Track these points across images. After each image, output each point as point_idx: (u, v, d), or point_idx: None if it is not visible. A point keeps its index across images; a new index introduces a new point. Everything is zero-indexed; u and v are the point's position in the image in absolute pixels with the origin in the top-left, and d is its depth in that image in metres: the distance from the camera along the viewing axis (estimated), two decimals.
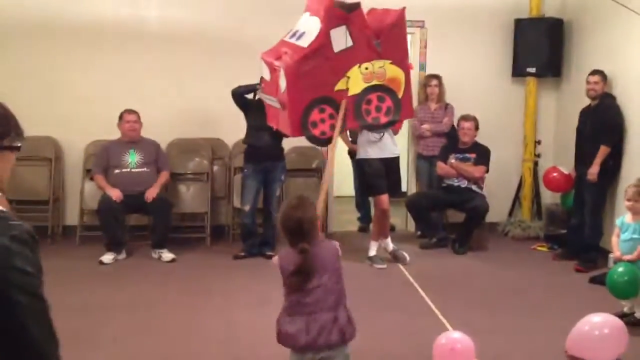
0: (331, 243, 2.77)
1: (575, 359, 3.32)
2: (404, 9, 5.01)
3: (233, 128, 6.60)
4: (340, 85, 4.87)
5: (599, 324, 3.40)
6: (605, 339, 3.32)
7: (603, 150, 5.69)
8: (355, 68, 4.85)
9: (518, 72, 7.24)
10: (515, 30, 7.17)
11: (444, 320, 4.44)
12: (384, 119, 5.18)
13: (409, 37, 7.48)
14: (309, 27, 4.80)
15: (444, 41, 7.18)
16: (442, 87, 7.05)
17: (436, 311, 4.65)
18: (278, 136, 6.10)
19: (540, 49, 7.05)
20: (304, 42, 4.73)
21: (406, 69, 5.14)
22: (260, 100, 6.01)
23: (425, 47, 7.28)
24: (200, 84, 6.98)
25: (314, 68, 4.69)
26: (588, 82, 5.89)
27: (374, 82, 4.94)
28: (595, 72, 5.87)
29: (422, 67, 7.32)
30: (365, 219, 7.34)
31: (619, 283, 4.39)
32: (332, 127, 4.94)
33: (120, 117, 6.28)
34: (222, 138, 7.12)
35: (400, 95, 5.12)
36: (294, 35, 4.94)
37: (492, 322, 4.45)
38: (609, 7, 5.80)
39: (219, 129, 7.08)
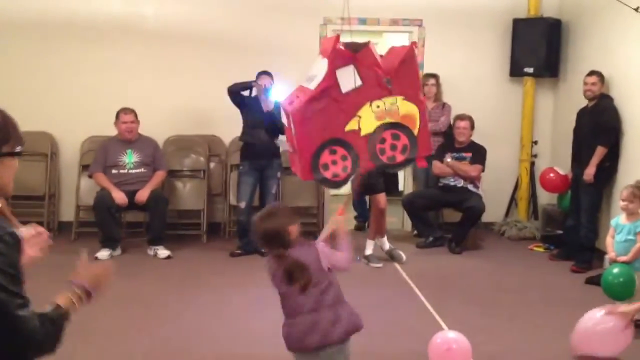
0: (312, 245, 2.74)
1: (583, 358, 3.32)
2: (413, 44, 4.98)
3: (230, 125, 6.58)
4: (351, 126, 4.78)
5: (602, 318, 3.41)
6: (611, 332, 3.34)
7: (600, 151, 5.69)
8: (367, 107, 4.76)
9: (515, 72, 7.23)
10: (513, 30, 7.16)
11: (440, 320, 4.43)
12: (400, 158, 4.98)
13: (406, 35, 7.53)
14: (319, 69, 4.75)
15: (442, 40, 7.17)
16: (439, 86, 7.05)
17: (432, 310, 4.65)
18: (275, 134, 6.10)
19: (538, 49, 7.04)
20: (312, 85, 4.70)
21: (420, 104, 5.05)
22: (256, 97, 6.00)
23: (423, 46, 7.27)
24: (197, 80, 6.96)
25: (321, 110, 4.65)
26: (585, 83, 5.88)
27: (387, 120, 4.88)
28: (592, 73, 5.86)
29: (420, 66, 7.30)
30: (361, 217, 7.34)
31: (614, 284, 4.39)
32: (345, 169, 4.87)
33: (117, 116, 6.25)
34: (219, 135, 7.11)
35: (415, 131, 5.02)
36: (308, 79, 4.89)
37: (488, 321, 4.44)
38: (607, 7, 5.81)
39: (216, 126, 7.07)
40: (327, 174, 4.96)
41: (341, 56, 4.68)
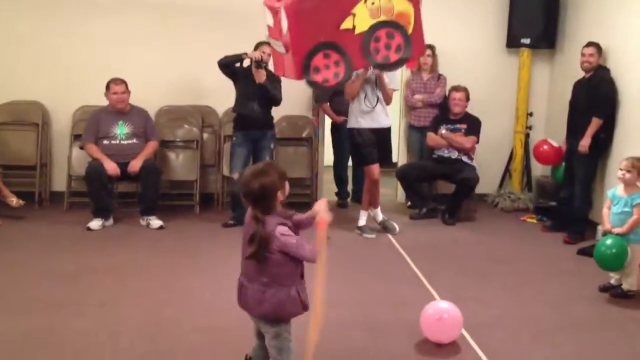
0: (277, 227, 2.59)
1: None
2: None
3: (223, 96, 6.52)
4: (346, 24, 4.59)
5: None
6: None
7: (595, 123, 5.67)
8: (361, 4, 4.57)
9: (512, 43, 7.18)
10: (510, 1, 7.09)
11: (432, 290, 4.44)
12: (394, 57, 4.89)
13: None
14: None
15: (438, 11, 7.07)
16: (435, 58, 7.00)
17: (424, 281, 4.65)
18: (268, 105, 6.05)
19: (534, 20, 7.00)
20: None
21: (416, 2, 4.90)
22: (248, 68, 5.93)
23: None
24: (191, 51, 6.89)
25: (316, 6, 4.49)
26: (583, 55, 5.83)
27: (382, 18, 4.70)
28: (590, 44, 5.81)
29: None
30: (343, 194, 7.31)
31: (607, 255, 4.40)
32: (336, 75, 4.71)
33: (107, 86, 6.17)
34: (212, 106, 7.06)
35: (410, 30, 4.87)
36: None
37: (480, 292, 4.46)
38: None
39: (209, 97, 7.01)
40: (318, 78, 4.81)
41: None
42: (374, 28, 4.71)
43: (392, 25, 4.76)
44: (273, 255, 2.59)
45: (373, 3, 4.62)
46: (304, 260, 2.65)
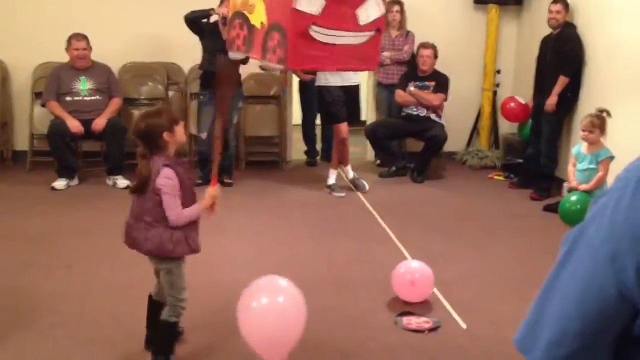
0: (163, 168, 2.66)
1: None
2: None
3: (189, 52, 6.38)
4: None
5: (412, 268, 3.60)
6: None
7: (562, 81, 5.70)
8: None
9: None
10: None
11: (402, 248, 4.47)
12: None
13: None
14: None
15: None
16: (403, 14, 6.92)
17: (394, 239, 4.68)
18: (235, 62, 5.92)
19: None
20: None
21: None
22: (216, 24, 5.79)
23: None
24: (156, 5, 6.70)
25: None
26: (550, 11, 5.82)
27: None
28: (557, 1, 5.79)
29: None
30: (312, 153, 7.28)
31: (571, 211, 4.48)
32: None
33: (68, 42, 5.98)
34: (178, 62, 6.91)
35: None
36: None
37: (449, 248, 4.51)
38: None
39: (175, 53, 6.86)
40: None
41: None
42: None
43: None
44: (154, 195, 2.66)
45: None
46: (171, 221, 2.68)
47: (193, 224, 2.76)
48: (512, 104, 6.60)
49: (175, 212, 2.66)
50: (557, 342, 0.92)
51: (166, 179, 2.64)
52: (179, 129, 2.75)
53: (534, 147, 6.10)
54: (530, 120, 6.33)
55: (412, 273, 3.56)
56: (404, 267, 3.62)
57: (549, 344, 0.93)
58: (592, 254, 0.89)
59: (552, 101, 5.72)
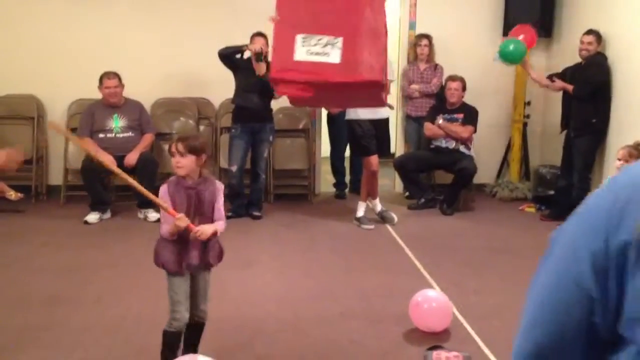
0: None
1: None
2: None
3: (220, 88, 6.49)
4: None
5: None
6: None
7: (571, 91, 5.81)
8: None
9: (509, 31, 7.11)
10: None
11: (432, 281, 4.43)
12: None
13: None
14: None
15: (434, 0, 7.05)
16: (432, 47, 6.96)
17: (423, 272, 4.64)
18: (267, 98, 6.02)
19: (532, 6, 6.95)
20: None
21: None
22: (249, 60, 5.89)
23: (415, 5, 7.15)
24: (187, 42, 6.84)
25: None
26: (582, 42, 5.81)
27: None
28: (590, 32, 5.78)
29: (412, 26, 7.21)
30: (341, 185, 7.29)
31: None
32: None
33: (100, 81, 6.12)
34: (209, 98, 7.02)
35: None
36: None
37: (480, 282, 4.45)
38: None
39: (206, 89, 6.97)
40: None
41: None
42: None
43: None
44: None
45: None
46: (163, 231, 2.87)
47: (183, 242, 2.89)
48: None
49: (164, 228, 2.86)
50: (532, 325, 1.04)
51: (162, 197, 2.84)
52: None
53: (566, 179, 6.03)
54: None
55: (429, 302, 3.57)
56: (421, 296, 3.64)
57: (525, 329, 1.04)
58: (562, 247, 1.01)
59: (554, 86, 6.04)
